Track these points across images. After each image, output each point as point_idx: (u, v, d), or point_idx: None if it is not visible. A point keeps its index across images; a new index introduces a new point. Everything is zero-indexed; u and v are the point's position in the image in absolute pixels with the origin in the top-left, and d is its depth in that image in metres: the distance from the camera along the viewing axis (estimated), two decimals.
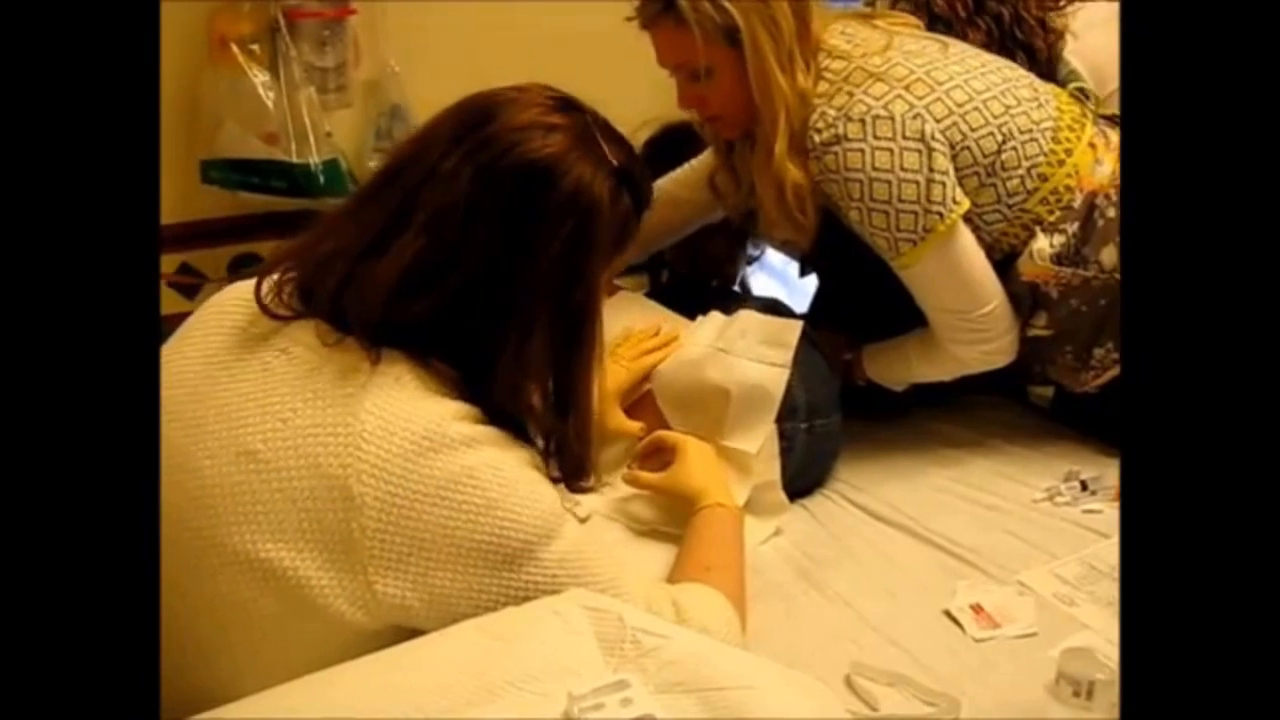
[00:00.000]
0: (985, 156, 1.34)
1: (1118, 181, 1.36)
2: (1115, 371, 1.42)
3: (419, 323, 0.87)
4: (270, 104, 1.62)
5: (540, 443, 0.94)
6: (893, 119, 1.30)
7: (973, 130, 1.34)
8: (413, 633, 0.84)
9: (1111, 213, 1.36)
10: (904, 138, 1.30)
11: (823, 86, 1.34)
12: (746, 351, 1.36)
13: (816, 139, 1.32)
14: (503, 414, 0.90)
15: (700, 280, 1.75)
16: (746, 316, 1.40)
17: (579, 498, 1.30)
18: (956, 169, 1.33)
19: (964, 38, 1.52)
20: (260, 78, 1.62)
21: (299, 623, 0.83)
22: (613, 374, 1.38)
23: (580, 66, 1.79)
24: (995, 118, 1.35)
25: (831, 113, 1.32)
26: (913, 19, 1.48)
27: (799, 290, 1.87)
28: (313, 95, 1.65)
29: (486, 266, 0.86)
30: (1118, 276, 1.35)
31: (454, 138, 0.88)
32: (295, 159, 1.63)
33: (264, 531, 0.82)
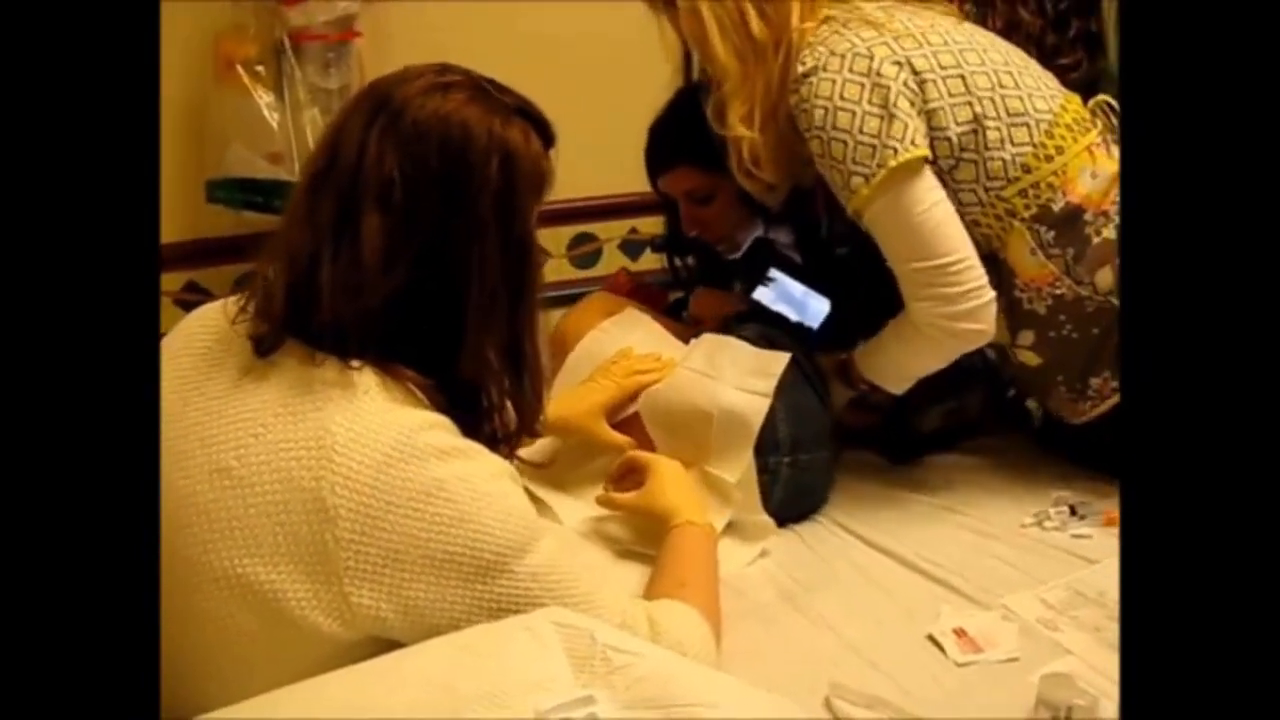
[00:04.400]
0: (959, 124, 1.34)
1: (1115, 199, 1.35)
2: (1115, 400, 1.39)
3: (383, 315, 0.88)
4: (275, 125, 1.65)
5: (496, 400, 0.97)
6: (871, 58, 1.32)
7: (950, 95, 1.34)
8: (391, 645, 0.85)
9: (1107, 233, 1.35)
10: (877, 75, 1.32)
11: (822, 30, 1.37)
12: (732, 379, 1.37)
13: (799, 70, 1.35)
14: (466, 396, 0.93)
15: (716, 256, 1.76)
16: (738, 345, 1.42)
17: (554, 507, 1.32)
18: (929, 129, 1.34)
19: None
20: (265, 99, 1.64)
21: (278, 637, 0.84)
22: (602, 389, 1.40)
23: (588, 88, 1.83)
24: (979, 89, 1.35)
25: (821, 50, 1.34)
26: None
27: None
28: (317, 116, 1.67)
29: (435, 230, 0.90)
30: (1113, 300, 1.35)
31: (364, 126, 0.91)
32: (299, 179, 1.65)
33: (240, 547, 0.84)
